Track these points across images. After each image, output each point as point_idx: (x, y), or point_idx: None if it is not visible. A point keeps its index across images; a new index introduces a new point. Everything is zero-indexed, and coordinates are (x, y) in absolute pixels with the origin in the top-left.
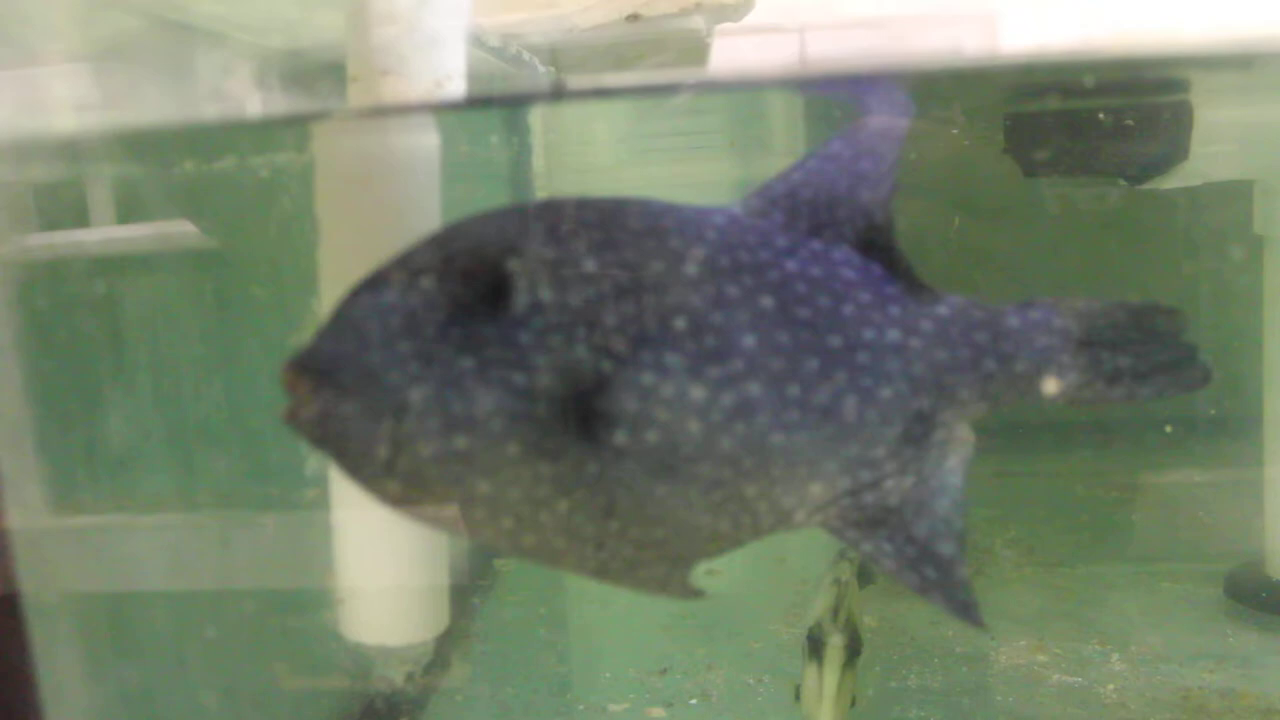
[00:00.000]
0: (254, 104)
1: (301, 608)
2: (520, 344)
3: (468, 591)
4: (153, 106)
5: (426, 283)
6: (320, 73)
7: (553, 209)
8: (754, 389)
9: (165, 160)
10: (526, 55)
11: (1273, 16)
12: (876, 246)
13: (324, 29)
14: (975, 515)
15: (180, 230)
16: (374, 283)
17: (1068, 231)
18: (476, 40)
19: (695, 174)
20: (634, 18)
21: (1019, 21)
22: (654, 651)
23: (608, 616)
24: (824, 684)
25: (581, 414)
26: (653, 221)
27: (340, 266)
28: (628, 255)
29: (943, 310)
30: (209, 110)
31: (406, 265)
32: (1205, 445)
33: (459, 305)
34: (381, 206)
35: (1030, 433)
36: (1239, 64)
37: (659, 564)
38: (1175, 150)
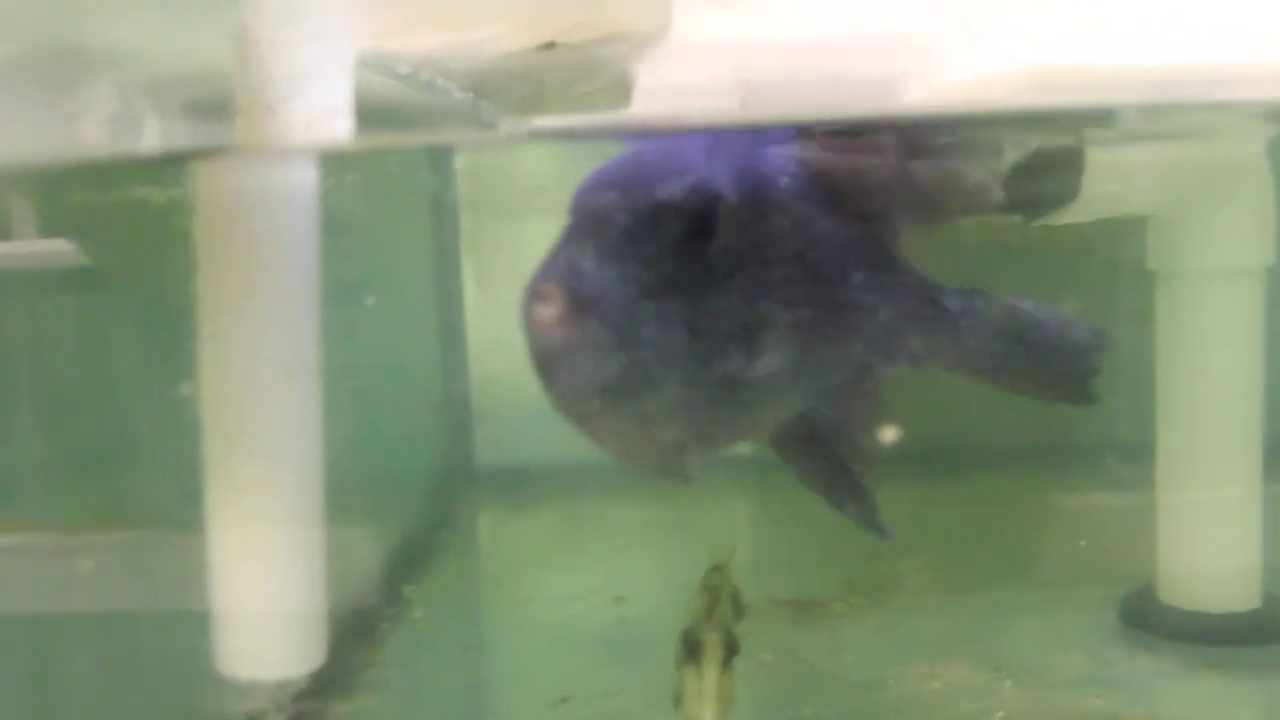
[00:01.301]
0: (150, 131)
1: (172, 638)
2: (727, 291)
3: (374, 618)
4: (38, 133)
5: (673, 221)
6: (218, 102)
7: (751, 168)
8: (803, 337)
9: (49, 184)
10: (441, 82)
11: (1196, 53)
12: (882, 222)
13: (219, 58)
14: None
15: (62, 253)
16: (628, 209)
17: (974, 263)
18: (382, 67)
19: None
20: (550, 45)
21: (959, 50)
22: (558, 678)
23: (514, 644)
24: (704, 681)
25: (741, 357)
26: (781, 182)
27: (218, 299)
28: (781, 218)
29: (911, 282)
30: (95, 138)
31: (651, 197)
32: (1113, 472)
33: (693, 248)
34: (257, 240)
35: (947, 459)
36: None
37: (693, 460)
38: (1067, 189)
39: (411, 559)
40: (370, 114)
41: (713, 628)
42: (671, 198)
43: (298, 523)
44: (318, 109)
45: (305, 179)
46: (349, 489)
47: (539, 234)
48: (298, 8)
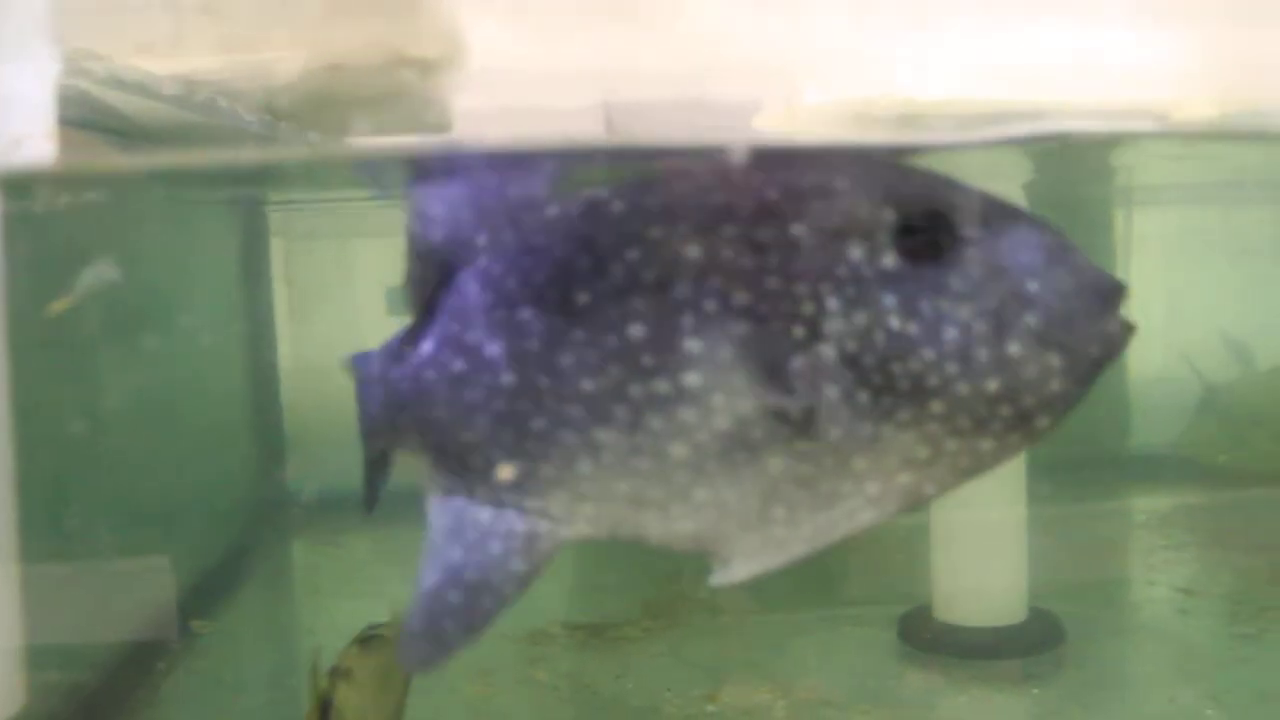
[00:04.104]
0: None
1: None
2: None
3: (154, 655)
4: None
5: None
6: None
7: None
8: None
9: None
10: (223, 102)
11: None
12: None
13: None
14: (688, 564)
15: None
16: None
17: None
18: (141, 89)
19: None
20: (336, 68)
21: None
22: None
23: (301, 678)
24: None
25: None
26: None
27: None
28: None
29: None
30: None
31: None
32: None
33: None
34: None
35: None
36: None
37: None
38: None
39: (207, 591)
40: (138, 134)
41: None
42: None
43: None
44: (11, 135)
45: None
46: (118, 522)
47: (356, 259)
48: None
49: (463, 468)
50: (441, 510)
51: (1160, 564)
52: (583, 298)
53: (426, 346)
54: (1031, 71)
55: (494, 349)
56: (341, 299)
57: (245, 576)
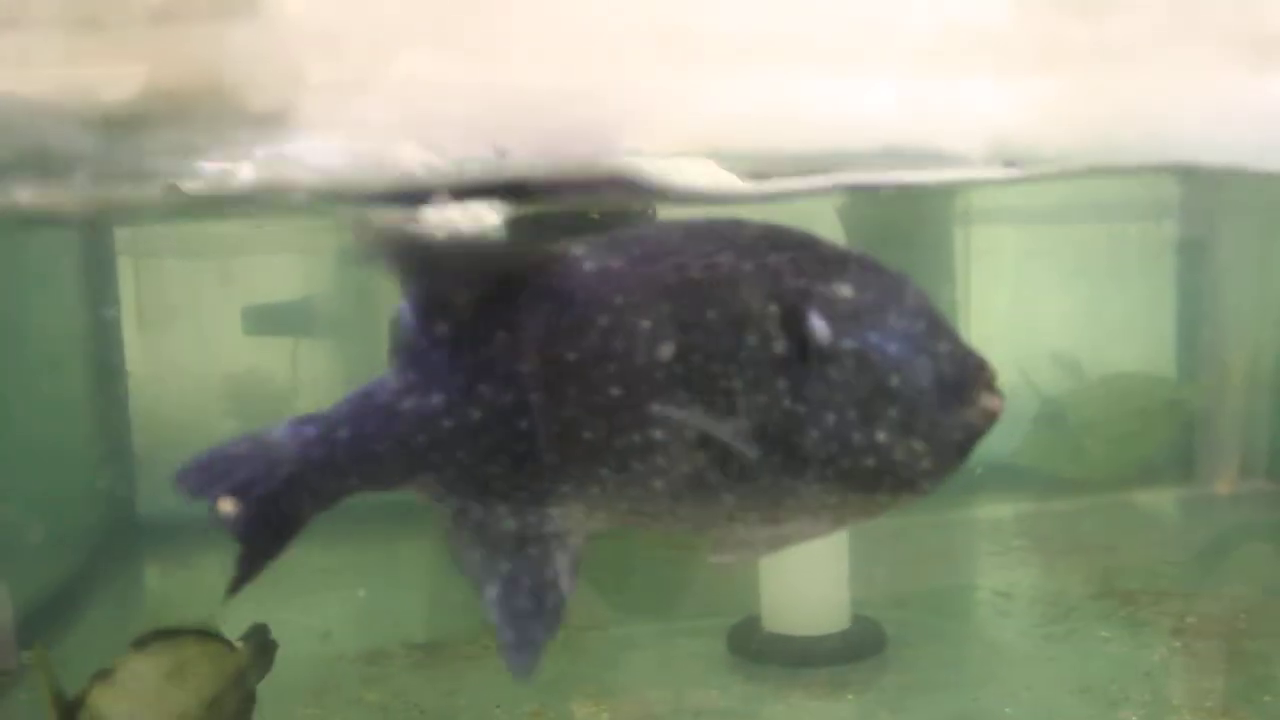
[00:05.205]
0: None
1: None
2: None
3: None
4: None
5: None
6: None
7: None
8: None
9: None
10: (49, 124)
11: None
12: None
13: None
14: None
15: None
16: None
17: None
18: None
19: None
20: (170, 93)
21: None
22: None
23: None
24: None
25: None
26: None
27: None
28: None
29: None
30: None
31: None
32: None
33: None
34: None
35: None
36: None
37: None
38: None
39: (42, 620)
40: None
41: None
42: None
43: None
44: None
45: None
46: None
47: (207, 277)
48: None
49: (484, 492)
50: (472, 534)
51: (988, 570)
52: (571, 356)
53: (435, 400)
54: (876, 118)
55: (506, 399)
56: (193, 317)
57: (90, 601)
